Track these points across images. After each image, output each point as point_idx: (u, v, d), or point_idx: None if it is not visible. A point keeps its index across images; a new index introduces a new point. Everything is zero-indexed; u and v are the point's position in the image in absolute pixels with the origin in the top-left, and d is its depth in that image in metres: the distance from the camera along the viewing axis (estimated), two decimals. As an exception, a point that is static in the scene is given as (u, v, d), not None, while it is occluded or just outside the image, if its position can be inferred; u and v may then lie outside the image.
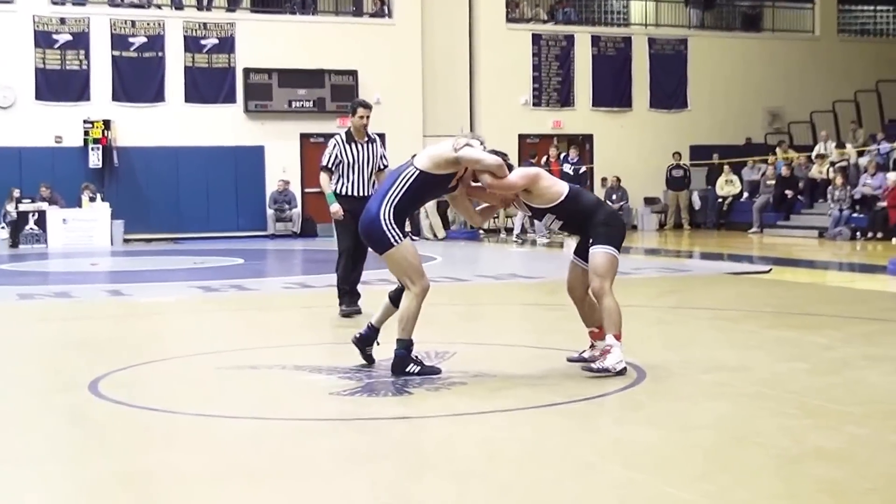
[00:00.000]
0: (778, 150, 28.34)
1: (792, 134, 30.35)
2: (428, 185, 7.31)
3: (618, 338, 7.27)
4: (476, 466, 5.16)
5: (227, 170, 26.84)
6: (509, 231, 27.62)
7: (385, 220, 7.16)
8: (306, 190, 27.64)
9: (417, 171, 7.24)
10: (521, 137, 29.40)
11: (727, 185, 28.21)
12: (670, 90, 30.69)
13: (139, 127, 26.09)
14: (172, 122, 26.36)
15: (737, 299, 12.19)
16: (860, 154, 25.23)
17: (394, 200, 7.19)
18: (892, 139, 24.40)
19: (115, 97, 26.13)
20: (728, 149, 29.47)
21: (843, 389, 6.78)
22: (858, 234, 22.85)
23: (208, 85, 26.80)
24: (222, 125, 26.73)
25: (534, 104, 29.53)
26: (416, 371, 7.28)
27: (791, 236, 24.34)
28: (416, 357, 7.36)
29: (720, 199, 28.23)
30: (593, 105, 29.96)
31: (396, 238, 7.16)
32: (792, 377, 7.20)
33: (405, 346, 7.29)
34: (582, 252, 7.60)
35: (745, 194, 27.86)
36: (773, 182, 26.56)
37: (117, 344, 9.29)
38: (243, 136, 27.04)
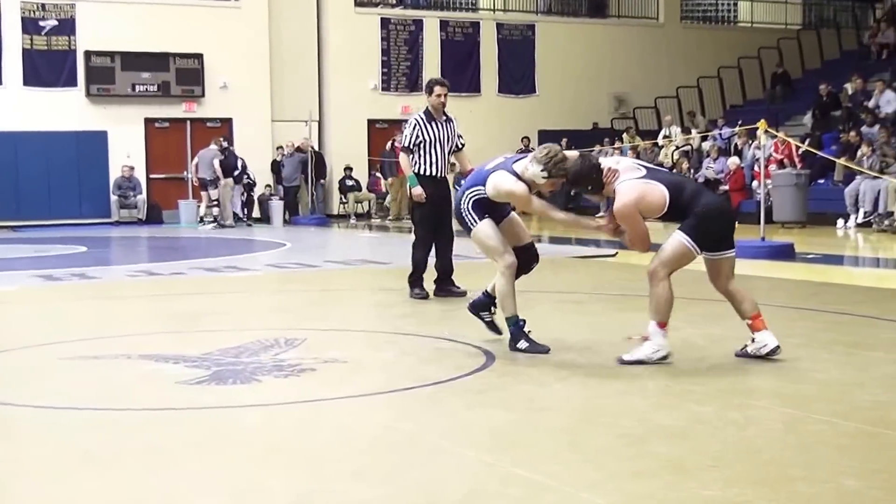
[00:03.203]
0: (625, 135, 28.81)
1: (637, 119, 30.92)
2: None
3: (661, 326, 7.08)
4: (328, 453, 5.13)
5: (68, 155, 26.22)
6: (360, 216, 27.63)
7: (465, 208, 7.65)
8: (152, 176, 27.22)
9: (485, 195, 7.58)
10: (371, 122, 29.38)
11: (574, 170, 28.49)
12: (518, 75, 30.97)
13: (-25, 111, 25.35)
14: (10, 107, 25.66)
15: (583, 282, 12.39)
16: (703, 139, 25.81)
17: (473, 197, 7.61)
18: (733, 125, 25.01)
19: (-50, 80, 25.38)
20: (576, 134, 29.82)
21: (685, 368, 6.92)
22: (701, 217, 23.32)
23: (48, 68, 26.13)
24: (63, 109, 26.10)
25: (383, 89, 29.52)
26: (523, 348, 7.47)
27: (636, 220, 24.72)
28: (529, 333, 7.53)
29: (568, 184, 28.51)
30: (442, 90, 29.98)
31: (473, 222, 7.63)
32: (637, 358, 7.31)
33: (513, 323, 7.54)
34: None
35: (593, 179, 28.16)
36: (620, 167, 26.95)
37: (-45, 335, 9.01)
38: (85, 120, 26.46)
